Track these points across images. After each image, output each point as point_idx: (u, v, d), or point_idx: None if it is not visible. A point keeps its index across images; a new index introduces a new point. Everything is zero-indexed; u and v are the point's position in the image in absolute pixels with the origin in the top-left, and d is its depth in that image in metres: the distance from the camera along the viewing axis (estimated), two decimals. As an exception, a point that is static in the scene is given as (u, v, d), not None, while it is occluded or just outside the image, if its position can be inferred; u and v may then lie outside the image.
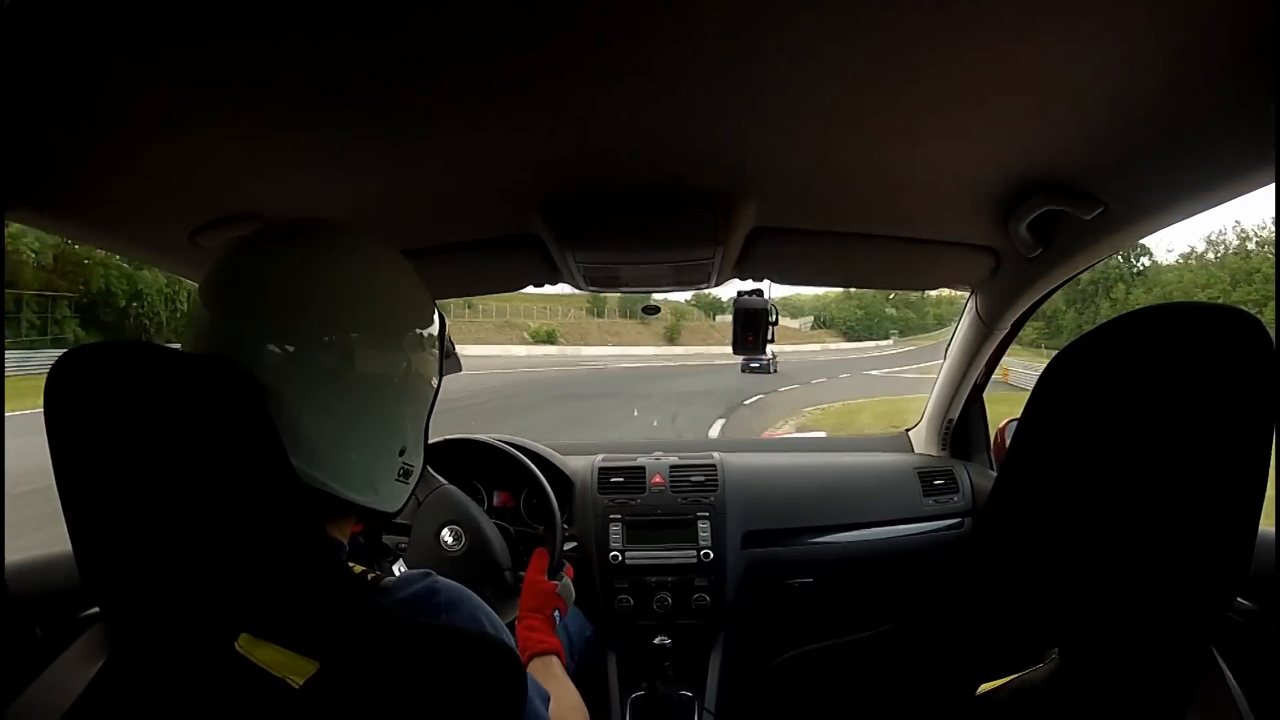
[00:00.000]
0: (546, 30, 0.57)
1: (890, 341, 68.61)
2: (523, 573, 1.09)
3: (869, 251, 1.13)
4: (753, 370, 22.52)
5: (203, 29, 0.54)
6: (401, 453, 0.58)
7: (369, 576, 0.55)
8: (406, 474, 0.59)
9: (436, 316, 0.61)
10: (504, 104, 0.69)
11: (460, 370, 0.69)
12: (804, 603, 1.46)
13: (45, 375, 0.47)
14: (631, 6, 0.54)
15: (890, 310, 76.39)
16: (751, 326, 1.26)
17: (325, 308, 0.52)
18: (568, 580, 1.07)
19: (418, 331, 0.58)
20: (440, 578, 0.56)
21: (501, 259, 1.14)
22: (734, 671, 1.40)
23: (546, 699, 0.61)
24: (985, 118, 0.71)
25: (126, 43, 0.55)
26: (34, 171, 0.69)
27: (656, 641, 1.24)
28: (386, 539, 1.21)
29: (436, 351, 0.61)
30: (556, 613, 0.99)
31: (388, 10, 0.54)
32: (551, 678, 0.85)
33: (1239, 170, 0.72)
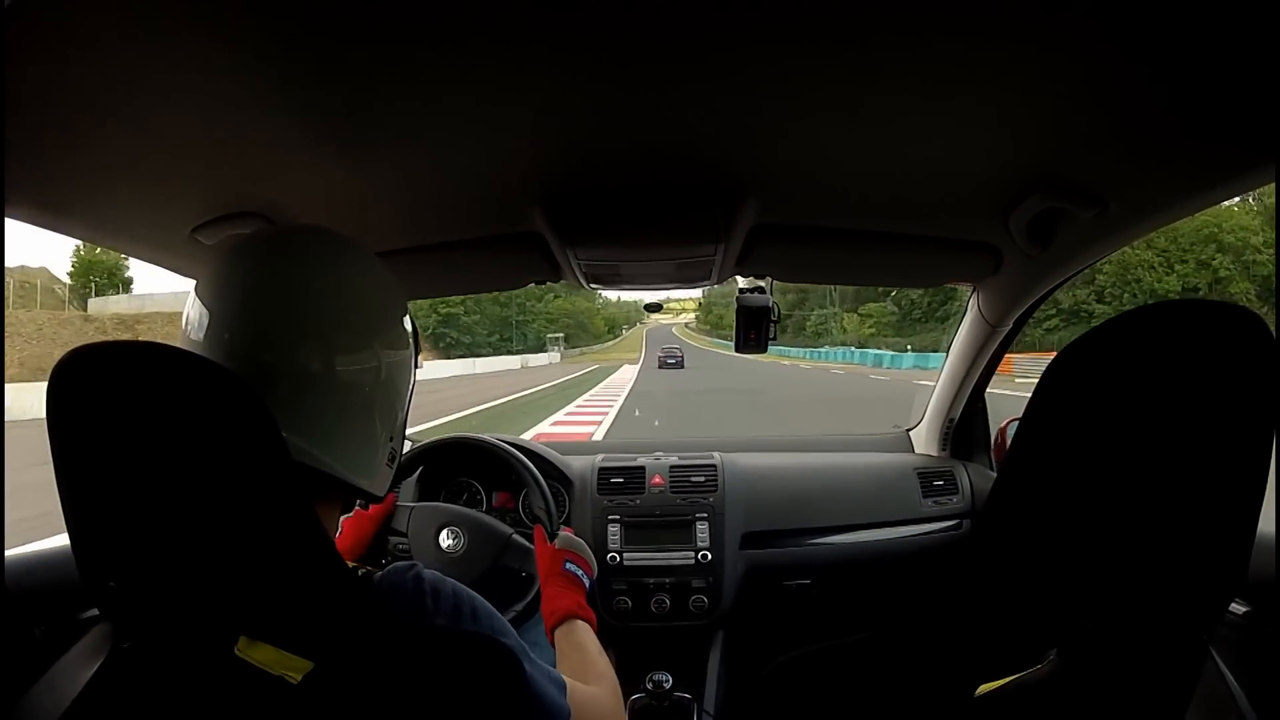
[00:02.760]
0: (547, 29, 0.57)
1: (553, 357, 45.59)
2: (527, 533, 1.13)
3: (870, 249, 1.13)
4: (669, 366, 27.23)
5: (202, 28, 0.54)
6: (390, 439, 0.62)
7: (359, 572, 0.55)
8: (392, 459, 0.63)
9: (408, 316, 0.66)
10: (505, 102, 0.69)
11: (419, 367, 0.73)
12: (802, 604, 1.46)
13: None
14: (632, 5, 0.54)
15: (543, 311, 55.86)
16: (754, 324, 1.26)
17: (311, 315, 0.55)
18: (565, 533, 1.08)
19: (395, 329, 0.61)
20: (425, 569, 0.57)
21: (503, 257, 1.14)
22: (733, 673, 1.40)
23: (563, 686, 0.60)
24: (985, 116, 0.71)
25: (126, 41, 0.55)
26: (34, 170, 0.69)
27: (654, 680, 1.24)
28: (390, 540, 1.21)
29: (412, 344, 0.65)
30: (570, 565, 0.99)
31: (388, 9, 0.53)
32: (572, 648, 0.84)
33: (1239, 169, 0.72)
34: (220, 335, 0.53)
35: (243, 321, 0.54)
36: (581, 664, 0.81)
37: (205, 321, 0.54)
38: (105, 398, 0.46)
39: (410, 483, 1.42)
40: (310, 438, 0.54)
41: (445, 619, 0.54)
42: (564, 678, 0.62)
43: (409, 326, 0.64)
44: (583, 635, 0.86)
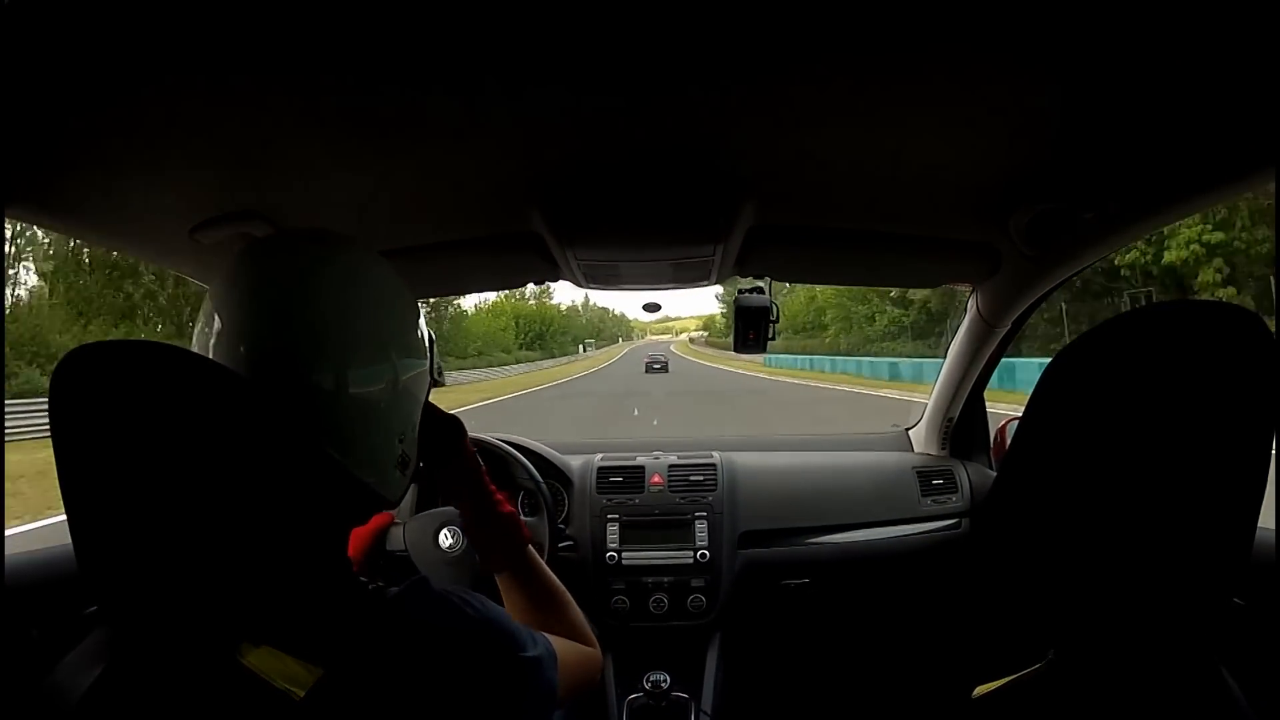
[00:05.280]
0: (544, 30, 0.57)
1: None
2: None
3: (869, 249, 1.13)
4: (654, 371, 31.46)
5: (200, 30, 0.54)
6: (401, 439, 0.59)
7: (370, 588, 0.55)
8: (404, 464, 0.60)
9: (423, 321, 0.64)
10: (503, 102, 0.69)
11: (444, 385, 0.69)
12: (800, 603, 1.46)
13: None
14: (629, 6, 0.54)
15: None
16: (753, 324, 1.25)
17: (328, 327, 0.54)
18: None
19: (411, 338, 0.60)
20: (434, 583, 0.56)
21: (502, 257, 1.14)
22: (730, 672, 1.40)
23: (554, 657, 0.60)
24: (984, 118, 0.71)
25: (125, 43, 0.55)
26: (34, 170, 0.69)
27: (654, 679, 1.24)
28: (389, 548, 1.22)
29: (427, 349, 0.63)
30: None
31: (384, 11, 0.53)
32: (546, 588, 0.76)
33: (1238, 170, 0.72)
34: (235, 346, 0.52)
35: (255, 332, 0.52)
36: (571, 609, 0.76)
37: (218, 330, 0.53)
38: (108, 397, 0.46)
39: None
40: (323, 433, 0.53)
41: (452, 621, 0.54)
42: (553, 646, 0.61)
43: (424, 333, 0.63)
44: (548, 571, 0.78)
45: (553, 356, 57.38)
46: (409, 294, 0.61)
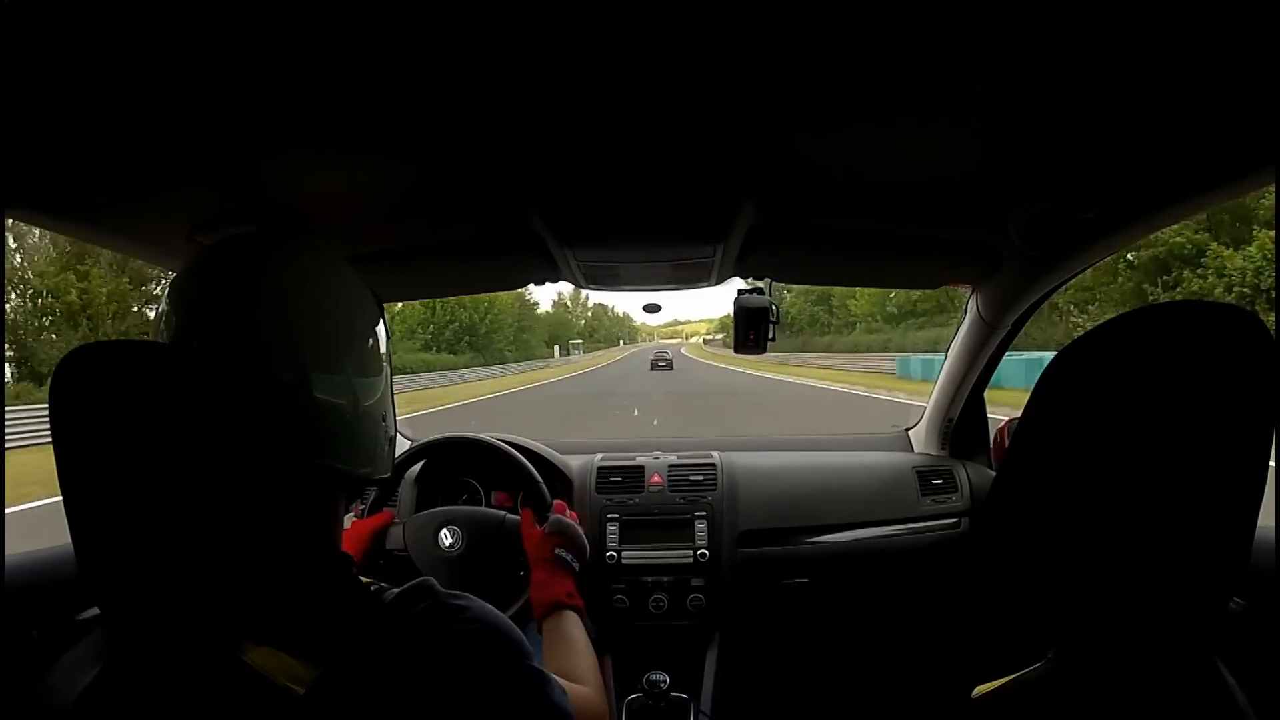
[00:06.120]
0: (543, 29, 0.57)
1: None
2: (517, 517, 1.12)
3: (869, 249, 1.13)
4: (659, 368, 34.19)
5: (196, 31, 0.54)
6: (383, 419, 0.61)
7: (371, 589, 0.55)
8: (391, 440, 0.63)
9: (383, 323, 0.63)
10: (502, 102, 0.69)
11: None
12: (800, 603, 1.46)
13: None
14: (628, 7, 0.54)
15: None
16: (752, 324, 1.25)
17: (289, 328, 0.53)
18: (555, 515, 1.06)
19: (370, 329, 0.61)
20: (437, 584, 0.56)
21: (501, 257, 1.14)
22: (729, 672, 1.40)
23: (564, 692, 0.59)
24: (985, 118, 0.71)
25: (124, 44, 0.55)
26: (33, 170, 0.69)
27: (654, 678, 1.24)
28: (388, 547, 1.22)
29: (385, 336, 0.64)
30: (559, 550, 0.99)
31: (384, 14, 0.53)
32: (559, 639, 0.85)
33: (1239, 169, 0.72)
34: (189, 342, 0.51)
35: (214, 331, 0.51)
36: (569, 656, 0.81)
37: (172, 326, 0.52)
38: (107, 397, 0.46)
39: (409, 482, 1.42)
40: (314, 444, 0.53)
41: (455, 624, 0.53)
42: (562, 684, 0.60)
43: (384, 332, 0.63)
44: (570, 626, 0.86)
45: (503, 363, 39.35)
46: (368, 295, 0.61)
